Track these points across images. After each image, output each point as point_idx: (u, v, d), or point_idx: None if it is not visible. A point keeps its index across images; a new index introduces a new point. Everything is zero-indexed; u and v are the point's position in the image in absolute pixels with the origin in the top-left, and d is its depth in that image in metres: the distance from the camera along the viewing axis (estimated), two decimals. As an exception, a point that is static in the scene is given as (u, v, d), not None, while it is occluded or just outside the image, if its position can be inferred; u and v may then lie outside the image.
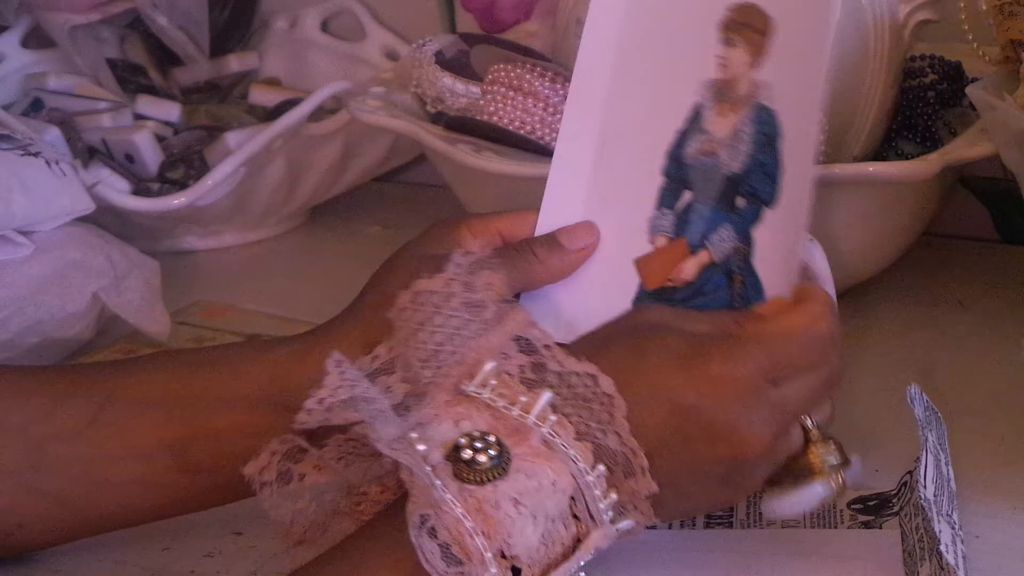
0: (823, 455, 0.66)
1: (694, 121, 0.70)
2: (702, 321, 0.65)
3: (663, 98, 0.70)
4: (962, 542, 0.69)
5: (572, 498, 0.60)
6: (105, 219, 1.06)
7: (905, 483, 0.74)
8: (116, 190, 1.12)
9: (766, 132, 0.69)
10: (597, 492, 0.60)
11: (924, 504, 0.65)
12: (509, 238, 0.73)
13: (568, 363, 0.62)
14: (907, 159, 0.93)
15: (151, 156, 1.15)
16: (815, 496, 0.67)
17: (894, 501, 0.74)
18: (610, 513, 0.61)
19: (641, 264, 0.71)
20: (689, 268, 0.70)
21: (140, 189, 1.14)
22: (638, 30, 0.71)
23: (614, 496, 0.61)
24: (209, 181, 1.12)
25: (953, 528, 0.68)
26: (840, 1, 0.69)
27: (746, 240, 0.69)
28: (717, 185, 0.70)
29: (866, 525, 0.73)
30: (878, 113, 0.94)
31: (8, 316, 0.93)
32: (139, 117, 1.20)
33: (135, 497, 0.71)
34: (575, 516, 0.60)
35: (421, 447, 0.58)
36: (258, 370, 0.70)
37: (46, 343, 0.95)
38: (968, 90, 0.83)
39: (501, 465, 0.58)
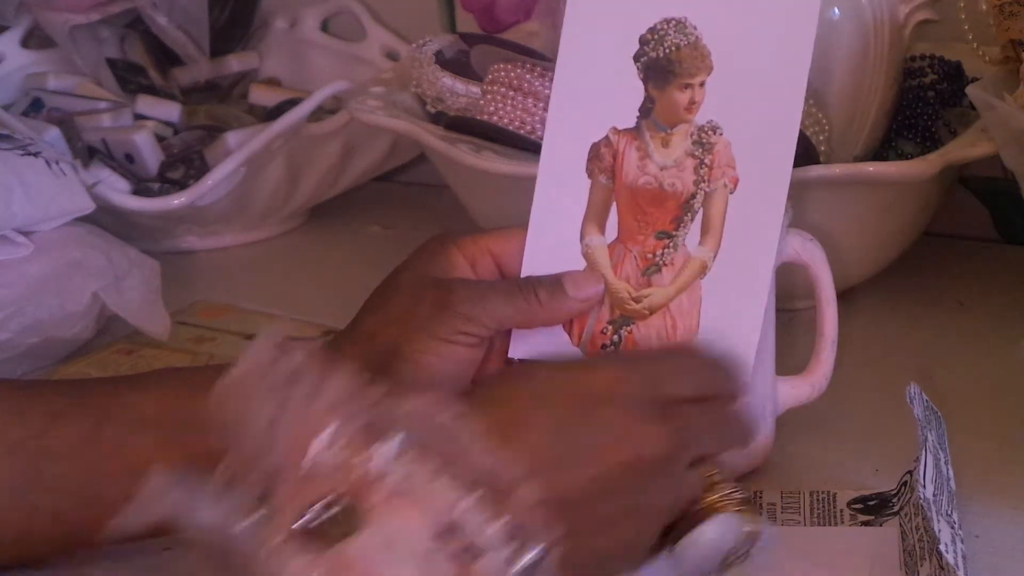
0: (726, 493, 0.65)
1: None
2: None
3: None
4: (962, 541, 0.69)
5: (448, 533, 0.56)
6: (105, 219, 1.06)
7: (905, 483, 0.74)
8: (116, 190, 1.12)
9: None
10: (480, 518, 0.56)
11: (924, 504, 0.65)
12: (499, 256, 0.72)
13: (410, 402, 0.58)
14: (907, 159, 0.93)
15: (151, 156, 1.15)
16: (725, 528, 0.65)
17: (894, 501, 0.74)
18: (503, 542, 0.57)
19: None
20: None
21: (140, 189, 1.14)
22: None
23: (507, 517, 0.57)
24: (209, 181, 1.12)
25: (953, 527, 0.68)
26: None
27: None
28: None
29: (866, 525, 0.73)
30: (878, 113, 0.94)
31: (8, 316, 0.93)
32: (139, 117, 1.20)
33: None
34: (458, 552, 0.56)
35: (243, 524, 0.55)
36: None
37: (46, 343, 0.96)
38: (968, 90, 0.83)
39: (352, 522, 0.55)
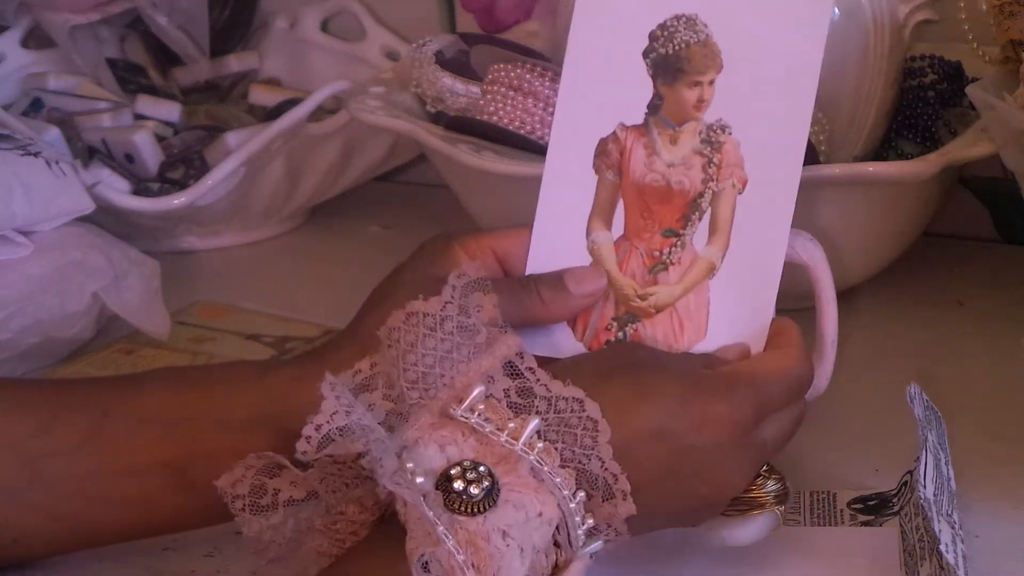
0: (770, 489, 0.68)
1: None
2: (690, 362, 0.67)
3: None
4: (962, 541, 0.69)
5: (556, 527, 0.60)
6: (105, 219, 1.06)
7: (905, 483, 0.74)
8: (116, 190, 1.12)
9: None
10: (577, 519, 0.61)
11: (924, 504, 0.65)
12: (502, 255, 0.72)
13: (555, 387, 0.62)
14: (907, 159, 0.93)
15: (151, 156, 1.15)
16: (762, 528, 0.69)
17: (894, 501, 0.74)
18: (583, 538, 0.61)
19: None
20: None
21: (140, 189, 1.14)
22: None
23: (590, 521, 0.61)
24: (209, 181, 1.12)
25: (953, 527, 0.68)
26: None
27: None
28: None
29: (866, 525, 0.73)
30: (878, 113, 0.94)
31: (8, 316, 0.93)
32: (139, 117, 1.20)
33: (131, 514, 0.71)
34: (556, 544, 0.61)
35: (419, 479, 0.58)
36: (256, 392, 0.70)
37: (46, 343, 0.96)
38: (968, 90, 0.83)
39: (491, 496, 0.58)
